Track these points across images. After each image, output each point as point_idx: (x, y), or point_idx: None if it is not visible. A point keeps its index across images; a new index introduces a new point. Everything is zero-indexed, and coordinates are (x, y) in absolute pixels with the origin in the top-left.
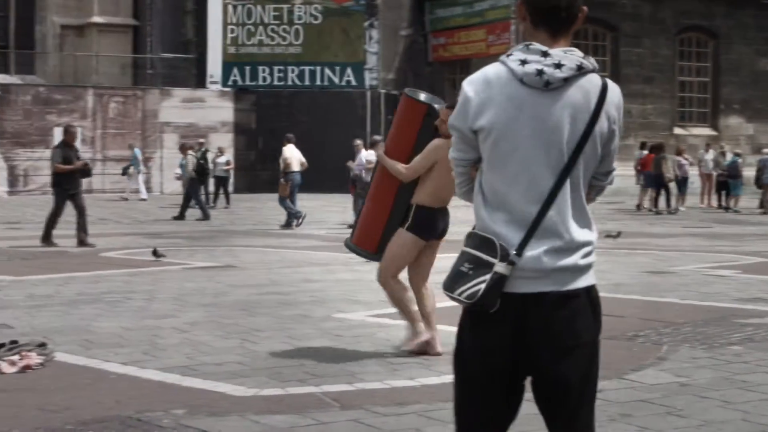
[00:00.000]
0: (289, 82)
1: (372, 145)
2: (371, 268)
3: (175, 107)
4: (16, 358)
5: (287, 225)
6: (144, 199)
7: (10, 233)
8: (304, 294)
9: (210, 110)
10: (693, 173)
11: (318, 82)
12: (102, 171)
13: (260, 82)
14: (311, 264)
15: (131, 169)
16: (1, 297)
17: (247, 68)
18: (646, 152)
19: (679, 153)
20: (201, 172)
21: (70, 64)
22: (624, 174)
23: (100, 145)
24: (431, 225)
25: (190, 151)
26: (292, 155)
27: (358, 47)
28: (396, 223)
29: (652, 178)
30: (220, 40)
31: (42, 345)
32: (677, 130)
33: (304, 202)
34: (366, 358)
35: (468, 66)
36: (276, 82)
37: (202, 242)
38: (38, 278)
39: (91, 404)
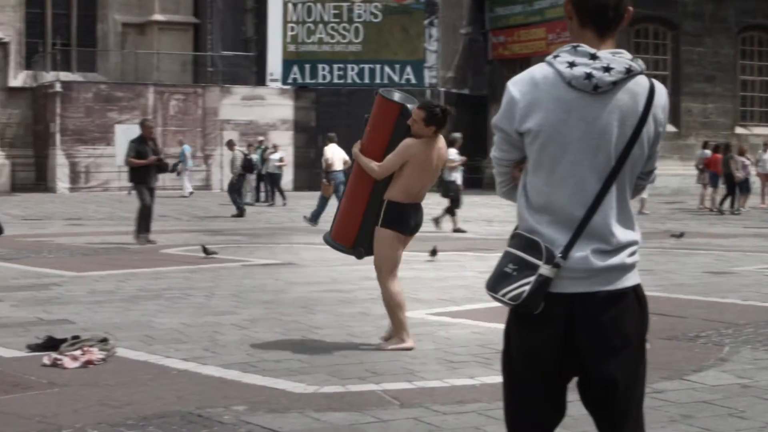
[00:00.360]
0: (349, 80)
1: (452, 144)
2: (430, 267)
3: (235, 105)
4: (78, 353)
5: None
6: (186, 196)
7: (72, 229)
8: (363, 292)
9: (270, 108)
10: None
11: (377, 80)
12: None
13: (320, 80)
14: (371, 262)
15: (179, 166)
16: (62, 292)
17: (307, 66)
18: (708, 152)
19: (741, 153)
20: (248, 168)
21: (131, 62)
22: (685, 173)
23: (160, 142)
24: (403, 219)
25: (236, 147)
26: (334, 154)
27: (418, 45)
28: (372, 218)
29: (718, 178)
30: (280, 38)
31: (104, 340)
32: (738, 130)
33: None
34: (426, 356)
35: (528, 64)
36: (336, 80)
37: (262, 239)
38: (99, 274)
39: (152, 399)
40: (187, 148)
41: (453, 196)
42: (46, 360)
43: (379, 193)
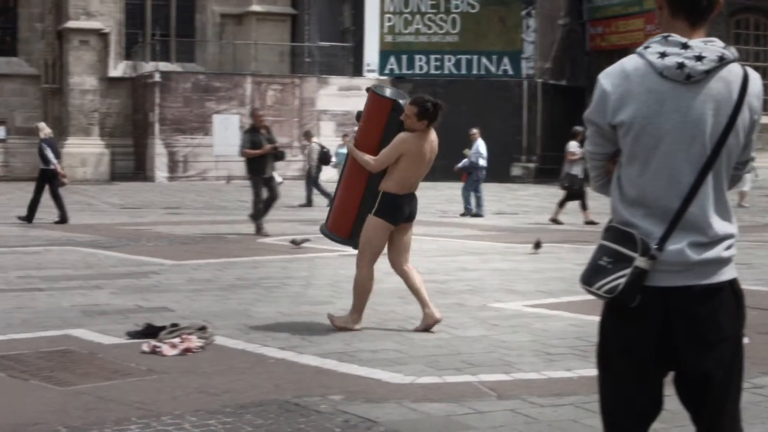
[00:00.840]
0: (446, 71)
1: (573, 136)
2: (527, 259)
3: (332, 95)
4: (177, 340)
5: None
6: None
7: (171, 218)
8: (460, 283)
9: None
10: None
11: (474, 71)
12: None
13: (417, 71)
14: (467, 253)
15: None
16: (161, 281)
17: (404, 57)
18: None
19: None
20: (323, 160)
21: (229, 52)
22: None
23: None
24: (398, 210)
25: (314, 139)
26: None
27: (516, 36)
28: (367, 210)
29: None
30: (377, 29)
31: (202, 328)
32: None
33: (457, 191)
34: (523, 348)
35: (626, 56)
36: (432, 71)
37: None
38: (197, 263)
39: (250, 388)
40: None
41: (577, 190)
42: (145, 347)
43: (374, 185)
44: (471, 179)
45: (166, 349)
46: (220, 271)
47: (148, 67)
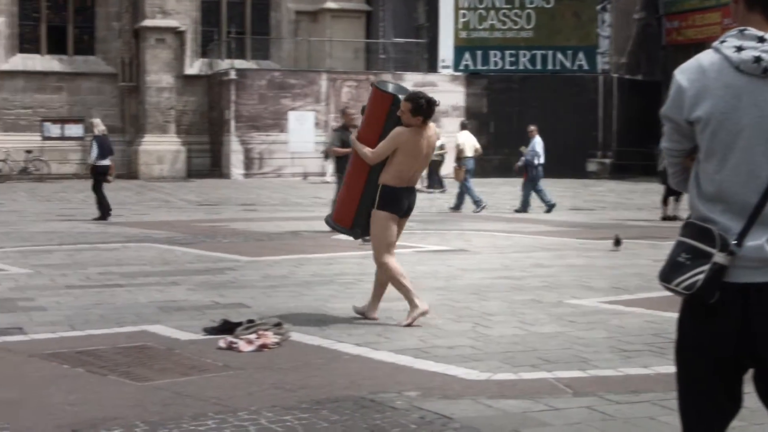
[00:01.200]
0: (521, 67)
1: None
2: (603, 255)
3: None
4: (253, 336)
5: (456, 208)
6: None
7: (246, 215)
8: (535, 279)
9: (441, 95)
10: None
11: (549, 67)
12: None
13: (491, 67)
14: (542, 249)
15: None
16: (237, 277)
17: (479, 53)
18: None
19: None
20: None
21: (304, 49)
22: None
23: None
24: (396, 202)
25: None
26: (466, 141)
27: (591, 31)
28: (368, 202)
29: None
30: (451, 25)
31: (278, 324)
32: None
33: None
34: (599, 344)
35: (702, 50)
36: (507, 67)
37: (434, 226)
38: (273, 259)
39: (326, 384)
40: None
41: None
42: (221, 343)
43: (375, 177)
44: (529, 176)
45: (243, 345)
46: (295, 267)
47: (224, 64)
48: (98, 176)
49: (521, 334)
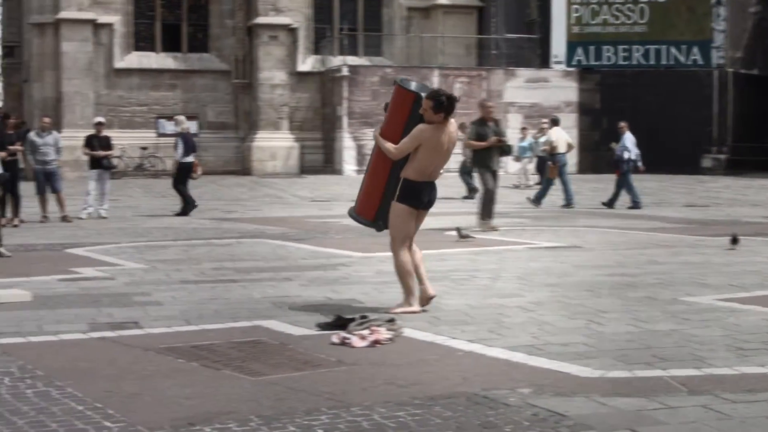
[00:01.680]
0: (634, 62)
1: None
2: (718, 252)
3: (519, 87)
4: (366, 332)
5: (566, 205)
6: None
7: None
8: (650, 276)
9: (554, 90)
10: None
11: (663, 61)
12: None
13: (604, 62)
14: (657, 246)
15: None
16: (350, 273)
17: (591, 48)
18: None
19: None
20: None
21: (416, 46)
22: None
23: None
24: (416, 195)
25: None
26: (559, 137)
27: (705, 25)
28: (390, 195)
29: None
30: (564, 20)
31: (391, 320)
32: None
33: (650, 183)
34: (715, 342)
35: None
36: (620, 62)
37: (547, 222)
38: (386, 255)
39: (439, 380)
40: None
41: None
42: (335, 339)
43: (397, 172)
44: (621, 172)
45: (356, 341)
46: None
47: (336, 61)
48: (183, 173)
49: (635, 331)
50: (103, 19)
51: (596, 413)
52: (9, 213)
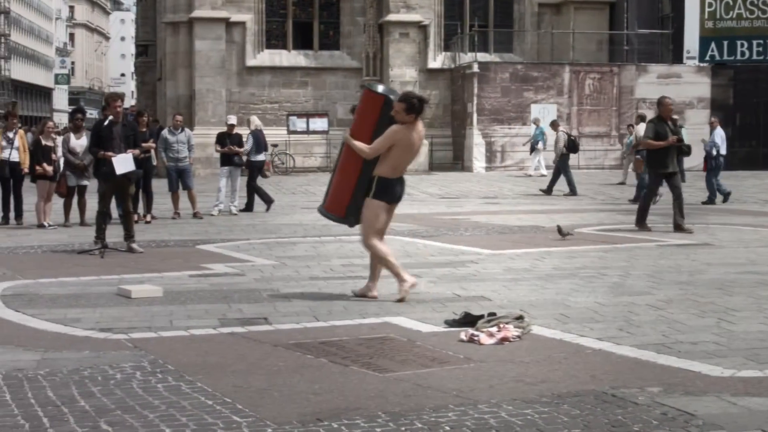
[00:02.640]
0: None
1: None
2: None
3: (650, 83)
4: (494, 329)
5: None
6: (543, 175)
7: (488, 208)
8: None
9: (686, 86)
10: None
11: None
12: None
13: (738, 57)
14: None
15: (539, 145)
16: (479, 270)
17: (725, 43)
18: None
19: None
20: (572, 148)
21: (547, 42)
22: None
23: (575, 121)
24: (391, 191)
25: (560, 128)
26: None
27: None
28: (361, 192)
29: None
30: (697, 15)
31: (519, 318)
32: None
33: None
34: None
35: None
36: (755, 57)
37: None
38: (515, 252)
39: (567, 378)
40: (543, 127)
41: None
42: (463, 336)
43: (367, 171)
44: (708, 167)
45: (484, 338)
46: (537, 260)
47: (467, 58)
48: (254, 171)
49: (767, 330)
50: (235, 17)
51: (726, 413)
52: (142, 210)
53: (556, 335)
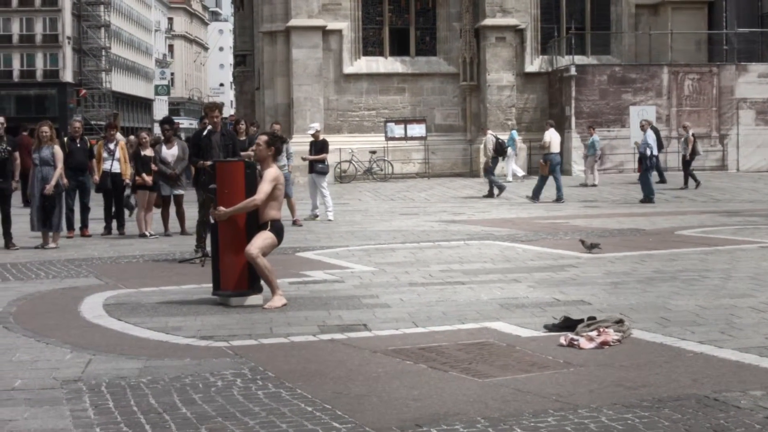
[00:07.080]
0: None
1: None
2: None
3: (751, 83)
4: (594, 333)
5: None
6: (519, 179)
7: (587, 211)
8: None
9: None
10: None
11: None
12: (675, 150)
13: None
14: None
15: (509, 150)
16: (578, 274)
17: None
18: None
19: None
20: (500, 151)
21: (644, 43)
22: None
23: (675, 123)
24: (282, 234)
25: (489, 131)
26: (552, 137)
27: None
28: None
29: None
30: None
31: (619, 322)
32: None
33: None
34: None
35: None
36: None
37: None
38: (615, 255)
39: (667, 382)
40: (515, 133)
41: None
42: (562, 340)
43: (252, 226)
44: (643, 168)
45: (583, 342)
46: (638, 263)
47: (564, 61)
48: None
49: None
50: (332, 25)
51: None
52: None
53: (657, 339)
